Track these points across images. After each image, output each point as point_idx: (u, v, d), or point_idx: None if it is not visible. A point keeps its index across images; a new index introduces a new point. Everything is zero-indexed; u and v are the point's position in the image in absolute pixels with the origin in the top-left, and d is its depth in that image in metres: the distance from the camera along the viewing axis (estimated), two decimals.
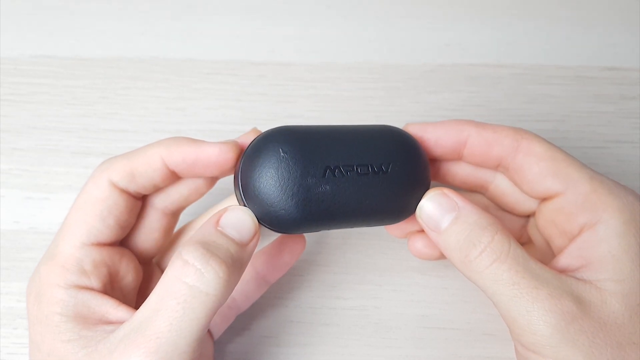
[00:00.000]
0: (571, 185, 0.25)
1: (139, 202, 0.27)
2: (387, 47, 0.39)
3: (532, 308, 0.22)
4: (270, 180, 0.23)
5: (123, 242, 0.28)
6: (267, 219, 0.24)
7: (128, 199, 0.26)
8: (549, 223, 0.27)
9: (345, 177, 0.24)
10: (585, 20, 0.39)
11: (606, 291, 0.22)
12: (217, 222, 0.24)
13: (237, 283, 0.23)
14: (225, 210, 0.24)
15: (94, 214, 0.25)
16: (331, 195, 0.23)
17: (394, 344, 0.32)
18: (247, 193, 0.24)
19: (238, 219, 0.24)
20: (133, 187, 0.26)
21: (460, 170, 0.29)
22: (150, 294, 0.23)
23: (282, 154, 0.23)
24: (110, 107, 0.37)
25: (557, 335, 0.22)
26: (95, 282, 0.25)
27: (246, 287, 0.30)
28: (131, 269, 0.27)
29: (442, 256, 0.28)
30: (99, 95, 0.38)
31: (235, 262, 0.23)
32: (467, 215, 0.24)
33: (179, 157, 0.25)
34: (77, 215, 0.26)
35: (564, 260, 0.24)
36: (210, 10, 0.40)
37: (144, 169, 0.26)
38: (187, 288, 0.21)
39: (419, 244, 0.29)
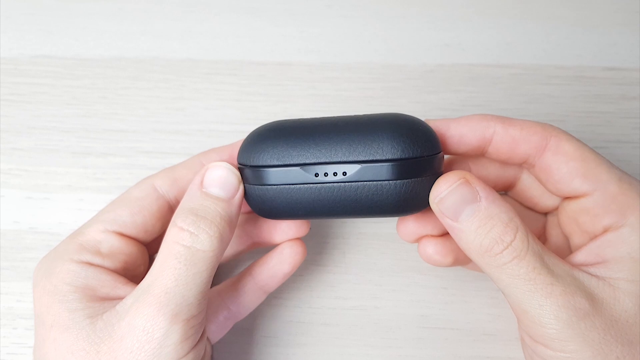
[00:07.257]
0: (599, 186, 0.24)
1: (172, 214, 0.28)
2: (387, 47, 0.39)
3: (545, 303, 0.22)
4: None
5: (147, 246, 0.29)
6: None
7: (163, 205, 0.28)
8: (571, 220, 0.26)
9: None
10: (585, 20, 0.39)
11: (619, 289, 0.22)
12: (201, 183, 0.25)
13: (231, 236, 0.25)
14: (206, 169, 0.25)
15: (125, 207, 0.27)
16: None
17: (393, 344, 0.32)
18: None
19: (220, 176, 0.25)
20: (173, 193, 0.28)
21: (484, 171, 0.28)
22: (153, 264, 0.24)
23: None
24: (110, 107, 0.37)
25: (567, 331, 0.22)
26: (108, 265, 0.26)
27: (245, 297, 0.30)
28: (146, 265, 0.28)
29: (454, 263, 0.28)
30: (99, 95, 0.38)
31: (224, 218, 0.24)
32: (488, 207, 0.23)
33: (216, 157, 0.28)
34: (108, 207, 0.27)
35: (581, 256, 0.24)
36: (210, 10, 0.40)
37: (185, 173, 0.28)
38: (185, 249, 0.23)
39: (430, 249, 0.28)
